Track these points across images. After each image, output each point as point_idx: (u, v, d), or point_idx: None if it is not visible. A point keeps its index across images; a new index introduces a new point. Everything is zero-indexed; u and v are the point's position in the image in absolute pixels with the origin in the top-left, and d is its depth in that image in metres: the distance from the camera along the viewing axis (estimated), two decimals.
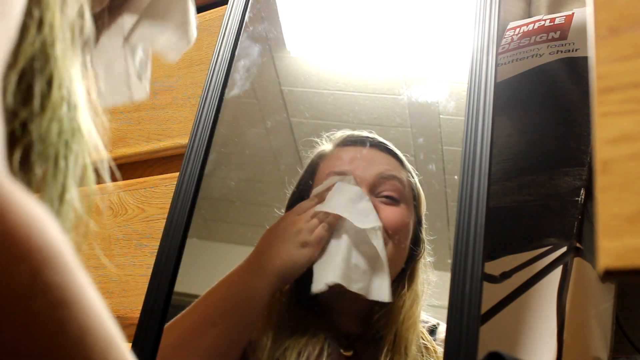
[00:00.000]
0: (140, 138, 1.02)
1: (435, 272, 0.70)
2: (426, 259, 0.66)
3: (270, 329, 0.67)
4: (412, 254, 0.67)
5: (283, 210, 0.77)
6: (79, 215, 0.36)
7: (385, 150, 0.69)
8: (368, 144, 0.70)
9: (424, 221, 0.68)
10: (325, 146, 0.72)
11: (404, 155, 0.74)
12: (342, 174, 0.68)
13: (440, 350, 0.61)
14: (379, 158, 0.69)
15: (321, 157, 0.71)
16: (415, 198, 0.67)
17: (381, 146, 0.69)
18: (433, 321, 0.65)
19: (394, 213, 0.66)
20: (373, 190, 0.67)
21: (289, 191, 0.74)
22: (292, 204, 0.71)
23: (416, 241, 0.67)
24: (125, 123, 1.06)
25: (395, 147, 0.81)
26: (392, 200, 0.66)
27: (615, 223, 0.30)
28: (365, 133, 0.70)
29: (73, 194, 0.35)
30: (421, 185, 0.76)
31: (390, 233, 0.66)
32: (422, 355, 0.63)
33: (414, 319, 0.64)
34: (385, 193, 0.66)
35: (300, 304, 0.69)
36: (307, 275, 0.68)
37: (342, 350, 0.65)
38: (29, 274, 0.26)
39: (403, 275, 0.66)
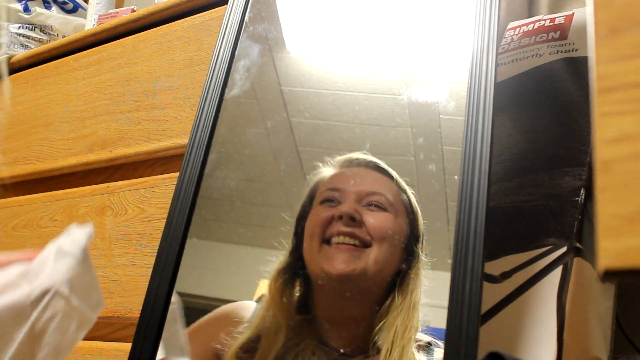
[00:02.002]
0: (140, 138, 1.02)
1: (435, 272, 0.70)
2: (421, 275, 0.67)
3: (266, 333, 0.69)
4: (407, 267, 0.68)
5: (285, 214, 0.77)
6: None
7: (379, 170, 0.72)
8: (362, 165, 0.73)
9: (422, 238, 0.69)
10: (326, 169, 0.74)
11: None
12: (334, 189, 0.70)
13: None
14: (370, 177, 0.72)
15: (321, 179, 0.74)
16: (411, 214, 0.69)
17: (376, 167, 0.72)
18: (426, 339, 0.65)
19: (378, 216, 0.67)
20: (360, 201, 0.69)
21: (291, 217, 0.75)
22: (298, 222, 0.73)
23: (410, 256, 0.68)
24: (125, 123, 1.06)
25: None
26: (378, 207, 0.68)
27: (615, 223, 0.29)
28: (361, 154, 0.73)
29: None
30: (421, 186, 0.76)
31: (373, 236, 0.67)
32: None
33: (410, 331, 0.64)
34: (371, 202, 0.68)
35: (300, 312, 0.70)
36: (306, 283, 0.69)
37: None
38: None
39: (398, 289, 0.66)
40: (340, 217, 0.68)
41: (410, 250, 0.68)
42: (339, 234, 0.67)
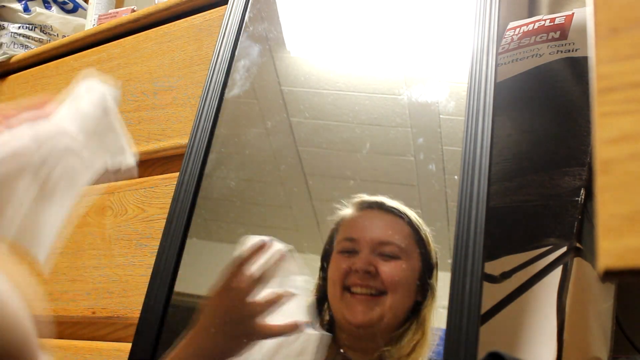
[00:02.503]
0: (140, 138, 1.02)
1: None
2: (435, 306, 0.72)
3: None
4: (422, 298, 0.72)
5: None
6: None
7: (392, 212, 0.77)
8: (376, 208, 0.79)
9: (435, 271, 0.73)
10: (345, 210, 0.80)
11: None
12: (350, 240, 0.77)
13: None
14: (382, 223, 0.78)
15: (340, 221, 0.80)
16: (423, 249, 0.74)
17: (387, 209, 0.78)
18: None
19: (391, 267, 0.73)
20: (374, 251, 0.74)
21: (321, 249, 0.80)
22: (323, 260, 0.79)
23: (424, 289, 0.73)
24: (125, 123, 1.06)
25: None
26: (390, 257, 0.74)
27: (615, 223, 0.29)
28: (377, 198, 0.79)
29: None
30: (421, 186, 0.76)
31: (387, 285, 0.72)
32: None
33: (421, 356, 0.70)
34: (384, 252, 0.74)
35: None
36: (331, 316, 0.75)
37: None
38: None
39: (414, 317, 0.72)
40: (357, 271, 0.74)
41: (424, 284, 0.73)
42: (355, 285, 0.74)
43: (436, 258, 0.74)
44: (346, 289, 0.75)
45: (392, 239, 0.75)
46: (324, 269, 0.78)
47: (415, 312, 0.72)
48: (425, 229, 0.75)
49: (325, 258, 0.79)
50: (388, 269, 0.73)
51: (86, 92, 0.53)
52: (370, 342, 0.73)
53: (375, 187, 0.80)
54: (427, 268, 0.74)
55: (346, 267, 0.75)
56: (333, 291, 0.76)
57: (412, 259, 0.74)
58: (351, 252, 0.76)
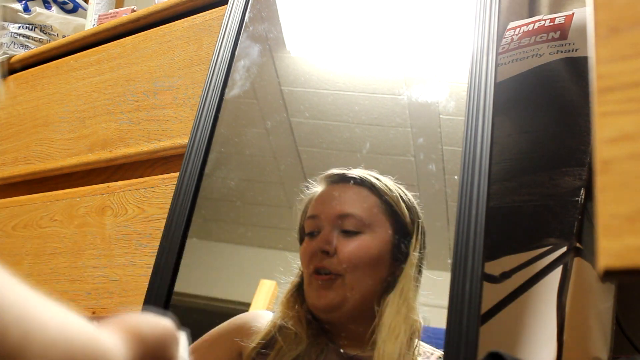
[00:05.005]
0: (140, 138, 1.02)
1: (435, 272, 0.70)
2: (416, 275, 0.68)
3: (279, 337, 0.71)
4: (398, 268, 0.69)
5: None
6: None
7: (355, 183, 0.74)
8: (339, 181, 0.76)
9: (415, 237, 0.70)
10: (314, 188, 0.77)
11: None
12: (312, 217, 0.74)
13: None
14: (344, 196, 0.74)
15: (309, 201, 0.77)
16: (395, 216, 0.71)
17: (351, 179, 0.75)
18: (438, 352, 0.66)
19: (349, 244, 0.70)
20: (335, 227, 0.72)
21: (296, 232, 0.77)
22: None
23: (399, 257, 0.69)
24: (125, 123, 1.06)
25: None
26: (350, 233, 0.71)
27: (615, 223, 0.29)
28: (340, 170, 0.76)
29: None
30: (421, 186, 0.76)
31: (344, 265, 0.69)
32: None
33: (398, 331, 0.66)
34: (344, 228, 0.71)
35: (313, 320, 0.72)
36: None
37: None
38: None
39: (391, 289, 0.68)
40: (315, 252, 0.71)
41: (399, 253, 0.69)
42: (315, 267, 0.71)
43: (415, 222, 0.70)
44: (313, 273, 0.71)
45: (351, 211, 0.72)
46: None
47: (392, 285, 0.68)
48: (395, 194, 0.71)
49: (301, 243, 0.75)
50: (347, 249, 0.70)
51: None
52: (351, 320, 0.69)
53: None
54: (402, 235, 0.70)
55: (309, 250, 0.72)
56: (305, 277, 0.72)
57: (380, 229, 0.70)
58: (315, 233, 0.73)
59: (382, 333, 0.66)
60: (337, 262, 0.70)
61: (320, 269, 0.70)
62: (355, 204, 0.73)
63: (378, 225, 0.71)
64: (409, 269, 0.68)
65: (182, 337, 0.49)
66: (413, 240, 0.70)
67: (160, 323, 0.43)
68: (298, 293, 0.73)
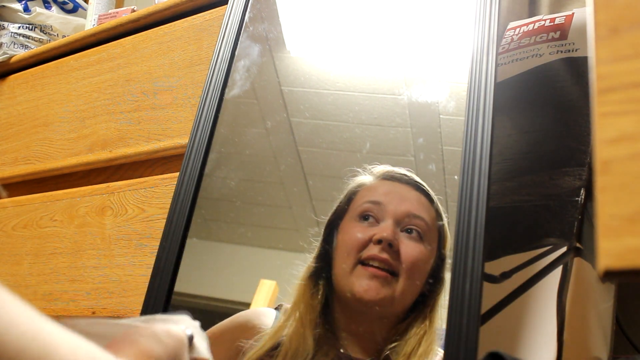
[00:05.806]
0: (140, 138, 1.02)
1: None
2: (441, 298, 0.68)
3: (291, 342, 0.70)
4: (430, 290, 0.68)
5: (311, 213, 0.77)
6: None
7: (419, 189, 0.72)
8: (404, 181, 0.73)
9: (447, 261, 0.69)
10: (366, 177, 0.75)
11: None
12: (375, 203, 0.71)
13: None
14: (411, 196, 0.72)
15: (360, 186, 0.74)
16: (441, 239, 0.70)
17: (416, 185, 0.72)
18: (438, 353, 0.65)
19: (413, 248, 0.68)
20: (399, 223, 0.69)
21: (324, 218, 0.75)
22: (329, 227, 0.73)
23: (436, 279, 0.69)
24: (125, 123, 1.06)
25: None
26: (416, 235, 0.69)
27: (615, 223, 0.29)
28: (403, 170, 0.74)
29: None
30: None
31: (404, 267, 0.67)
32: None
33: (428, 350, 0.65)
34: (410, 227, 0.69)
35: (321, 323, 0.70)
36: (329, 292, 0.70)
37: None
38: None
39: (419, 309, 0.67)
40: (379, 242, 0.68)
41: (435, 276, 0.69)
42: (374, 259, 0.68)
43: (449, 251, 0.68)
44: (360, 262, 0.68)
45: (422, 214, 0.69)
46: (328, 240, 0.72)
47: (422, 303, 0.67)
48: (445, 219, 0.70)
49: (334, 226, 0.73)
50: (411, 251, 0.67)
51: None
52: (373, 325, 0.67)
53: None
54: (440, 259, 0.69)
55: (365, 238, 0.68)
56: (342, 263, 0.69)
57: (431, 246, 0.69)
58: (371, 218, 0.70)
59: (401, 348, 0.65)
60: (397, 259, 0.67)
61: (378, 260, 0.67)
62: (422, 209, 0.70)
63: (433, 240, 0.70)
64: (441, 292, 0.67)
65: (203, 336, 0.49)
66: (444, 266, 0.69)
67: (171, 335, 0.42)
68: (318, 277, 0.70)
